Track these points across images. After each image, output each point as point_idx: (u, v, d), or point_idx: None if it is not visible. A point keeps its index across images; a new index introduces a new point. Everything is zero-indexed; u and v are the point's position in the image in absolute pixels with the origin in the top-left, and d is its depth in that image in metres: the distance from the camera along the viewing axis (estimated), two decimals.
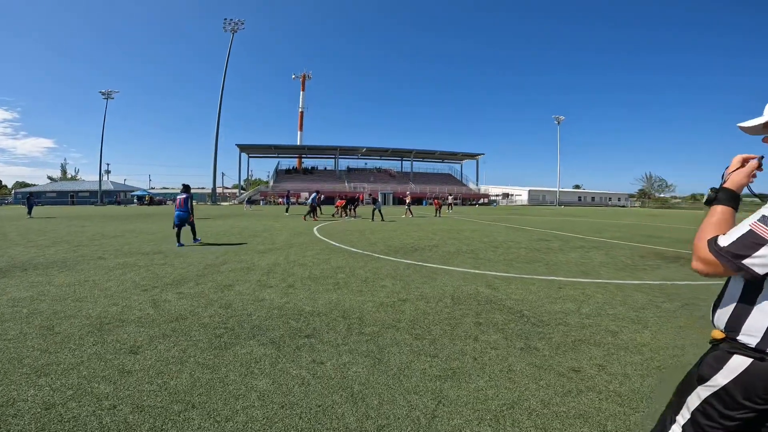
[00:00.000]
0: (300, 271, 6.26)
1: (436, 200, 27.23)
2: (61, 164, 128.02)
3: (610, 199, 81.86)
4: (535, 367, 2.86)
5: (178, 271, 6.20)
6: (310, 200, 19.78)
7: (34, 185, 73.67)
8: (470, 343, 3.28)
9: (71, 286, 5.22)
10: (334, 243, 9.83)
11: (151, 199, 52.96)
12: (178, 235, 9.31)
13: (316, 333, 3.52)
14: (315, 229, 13.72)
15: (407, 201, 25.39)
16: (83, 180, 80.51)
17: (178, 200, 9.36)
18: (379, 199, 21.83)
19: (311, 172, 71.41)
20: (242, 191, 60.40)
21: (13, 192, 63.09)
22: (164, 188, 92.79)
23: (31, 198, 23.66)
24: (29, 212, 22.54)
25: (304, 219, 18.78)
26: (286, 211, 25.36)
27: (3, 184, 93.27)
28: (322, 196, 25.37)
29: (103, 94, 51.69)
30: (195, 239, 9.66)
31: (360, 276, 5.88)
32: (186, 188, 9.59)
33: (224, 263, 6.91)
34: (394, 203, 56.63)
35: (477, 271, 6.32)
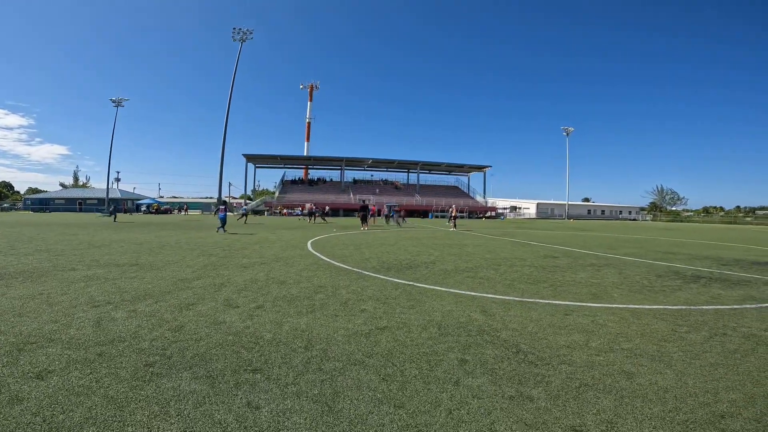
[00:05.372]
0: (276, 289, 5.68)
1: (373, 207, 25.38)
2: (74, 171, 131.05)
3: (620, 212, 79.97)
4: (525, 425, 2.22)
5: (144, 286, 5.69)
6: (388, 211, 21.53)
7: (46, 191, 74.59)
8: (449, 388, 2.65)
9: (22, 299, 4.80)
10: (324, 258, 9.26)
11: (158, 208, 53.22)
12: (220, 228, 16.92)
13: (265, 367, 2.94)
14: (309, 242, 13.18)
15: (453, 212, 24.28)
16: (93, 187, 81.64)
17: (221, 209, 18.18)
18: (384, 211, 22.19)
19: (317, 183, 71.30)
20: (249, 201, 60.46)
21: (23, 198, 64.06)
22: (173, 197, 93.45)
23: (116, 207, 28.96)
24: (114, 218, 27.30)
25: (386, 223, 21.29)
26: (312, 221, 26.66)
27: (16, 190, 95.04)
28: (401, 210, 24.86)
29: (114, 101, 52.46)
30: (223, 229, 16.80)
31: (341, 297, 5.27)
32: (223, 202, 16.28)
33: (198, 278, 6.37)
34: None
35: (473, 294, 5.67)
